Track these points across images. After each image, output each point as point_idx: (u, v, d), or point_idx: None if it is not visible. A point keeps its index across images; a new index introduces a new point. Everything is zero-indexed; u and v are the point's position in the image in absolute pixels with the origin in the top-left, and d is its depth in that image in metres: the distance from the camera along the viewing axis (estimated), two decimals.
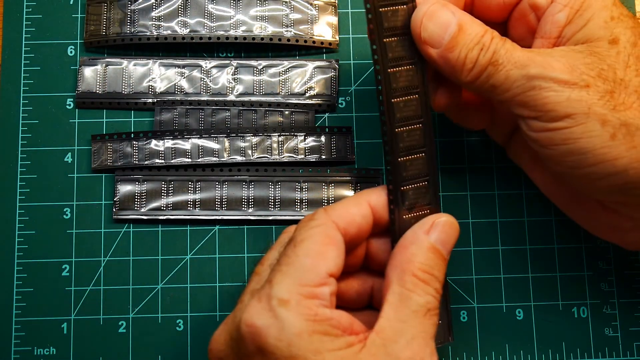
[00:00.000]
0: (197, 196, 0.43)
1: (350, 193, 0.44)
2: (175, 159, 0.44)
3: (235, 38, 0.45)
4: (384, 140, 0.34)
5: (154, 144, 0.44)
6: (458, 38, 0.32)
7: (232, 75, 0.45)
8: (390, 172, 0.34)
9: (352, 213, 0.33)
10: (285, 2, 0.46)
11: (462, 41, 0.32)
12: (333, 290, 0.31)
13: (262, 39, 0.45)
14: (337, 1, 0.46)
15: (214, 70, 0.45)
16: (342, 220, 0.33)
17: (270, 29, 0.45)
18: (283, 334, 0.29)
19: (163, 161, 0.44)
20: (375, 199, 0.34)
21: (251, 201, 0.43)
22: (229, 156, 0.44)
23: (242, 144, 0.44)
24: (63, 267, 0.43)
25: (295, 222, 0.43)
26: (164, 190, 0.43)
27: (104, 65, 0.45)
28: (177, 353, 0.42)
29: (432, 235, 0.32)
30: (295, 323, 0.29)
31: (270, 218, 0.43)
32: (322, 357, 0.29)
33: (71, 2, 0.46)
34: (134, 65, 0.45)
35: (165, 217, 0.43)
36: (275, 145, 0.44)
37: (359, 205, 0.33)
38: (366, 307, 0.36)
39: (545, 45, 0.33)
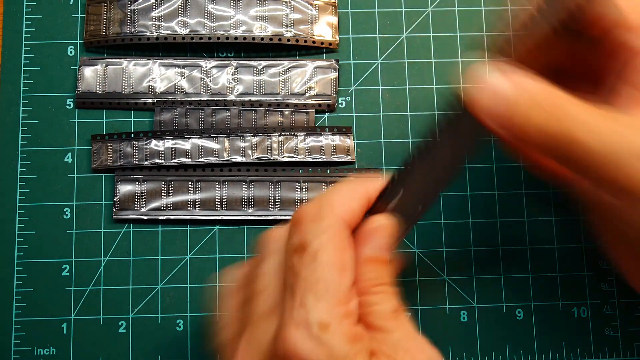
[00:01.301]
0: (197, 196, 0.43)
1: None
2: (175, 159, 0.44)
3: (235, 38, 0.45)
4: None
5: (154, 144, 0.44)
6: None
7: (232, 75, 0.45)
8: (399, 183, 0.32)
9: (354, 209, 0.30)
10: (285, 2, 0.46)
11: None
12: (357, 300, 0.29)
13: (262, 39, 0.45)
14: (337, 1, 0.46)
15: (214, 70, 0.45)
16: (348, 217, 0.30)
17: (270, 29, 0.45)
18: (331, 358, 0.27)
19: (163, 161, 0.44)
20: (373, 194, 0.31)
21: (251, 201, 0.43)
22: (229, 156, 0.44)
23: (242, 144, 0.44)
24: (63, 267, 0.43)
25: None
26: (164, 190, 0.43)
27: (104, 65, 0.45)
28: (177, 353, 0.42)
29: (367, 247, 0.30)
30: (341, 347, 0.27)
31: (270, 218, 0.43)
32: None
33: (71, 2, 0.46)
34: (134, 65, 0.45)
35: (165, 217, 0.43)
36: (275, 145, 0.44)
37: (360, 201, 0.30)
38: None
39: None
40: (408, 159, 0.32)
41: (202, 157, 0.44)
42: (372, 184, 0.32)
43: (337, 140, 0.44)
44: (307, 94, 0.45)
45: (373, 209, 0.31)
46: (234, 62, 0.45)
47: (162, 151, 0.44)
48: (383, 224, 0.30)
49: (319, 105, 0.45)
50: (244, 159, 0.44)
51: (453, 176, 0.33)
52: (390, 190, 0.32)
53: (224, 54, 0.46)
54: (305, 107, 0.45)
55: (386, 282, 0.30)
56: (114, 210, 0.43)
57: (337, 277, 0.28)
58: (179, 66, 0.45)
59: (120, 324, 0.42)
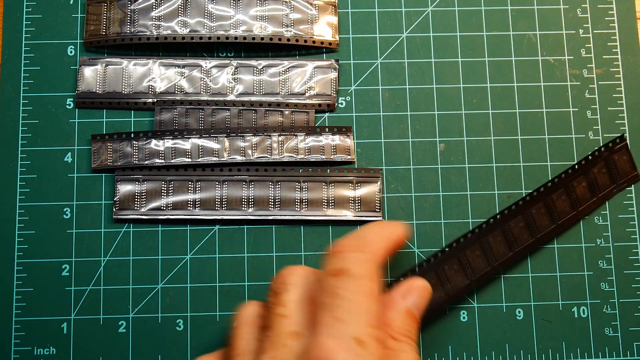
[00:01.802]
0: (197, 196, 0.43)
1: (350, 193, 0.44)
2: (175, 158, 0.44)
3: (235, 38, 0.45)
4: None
5: (154, 143, 0.44)
6: None
7: (232, 75, 0.45)
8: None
9: (384, 248, 0.34)
10: (285, 2, 0.46)
11: None
12: (383, 332, 0.32)
13: (262, 38, 0.45)
14: (337, 1, 0.46)
15: (214, 70, 0.45)
16: (379, 254, 0.33)
17: (270, 29, 0.45)
18: None
19: (163, 161, 0.44)
20: (400, 238, 0.35)
21: (251, 201, 0.43)
22: (229, 156, 0.44)
23: (242, 144, 0.44)
24: (63, 267, 0.43)
25: (295, 222, 0.43)
26: (164, 190, 0.43)
27: (104, 65, 0.45)
28: (177, 353, 0.42)
29: (408, 300, 0.34)
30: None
31: (270, 218, 0.43)
32: None
33: (71, 2, 0.46)
34: (134, 65, 0.45)
35: (165, 217, 0.43)
36: (275, 145, 0.44)
37: (388, 242, 0.34)
38: None
39: None
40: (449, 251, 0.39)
41: (202, 157, 0.44)
42: (399, 229, 0.35)
43: (337, 140, 0.44)
44: (307, 94, 0.45)
45: (414, 270, 0.37)
46: (234, 62, 0.45)
47: (162, 151, 0.44)
48: (423, 286, 0.35)
49: (319, 105, 0.45)
50: (244, 158, 0.44)
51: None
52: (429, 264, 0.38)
53: (224, 54, 0.46)
54: (305, 107, 0.45)
55: (413, 336, 0.33)
56: (114, 210, 0.43)
57: (372, 303, 0.30)
58: (179, 66, 0.45)
59: (120, 324, 0.42)
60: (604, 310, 0.43)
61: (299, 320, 0.31)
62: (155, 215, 0.43)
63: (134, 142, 0.44)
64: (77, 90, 0.45)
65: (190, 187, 0.43)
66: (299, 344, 0.30)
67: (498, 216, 0.42)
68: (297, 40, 0.45)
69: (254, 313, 0.34)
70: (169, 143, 0.44)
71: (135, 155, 0.44)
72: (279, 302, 0.32)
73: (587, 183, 0.43)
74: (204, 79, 0.45)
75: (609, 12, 0.47)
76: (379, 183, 0.44)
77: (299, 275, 0.33)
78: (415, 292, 0.34)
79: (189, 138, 0.44)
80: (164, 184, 0.43)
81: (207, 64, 0.45)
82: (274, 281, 0.33)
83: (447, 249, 0.41)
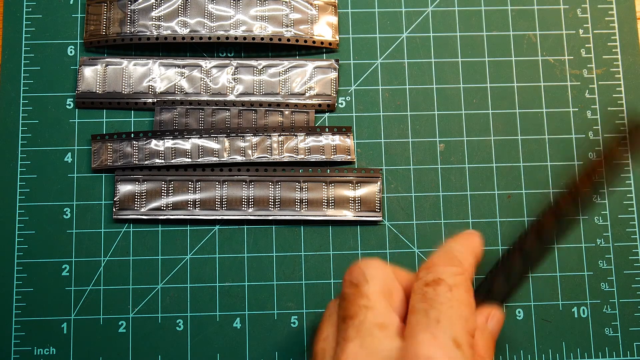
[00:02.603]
0: (197, 196, 0.43)
1: (350, 193, 0.44)
2: (175, 158, 0.44)
3: (235, 38, 0.45)
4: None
5: (154, 144, 0.44)
6: None
7: (232, 75, 0.45)
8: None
9: (470, 262, 0.34)
10: (285, 2, 0.46)
11: None
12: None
13: (262, 38, 0.45)
14: (337, 1, 0.46)
15: (214, 70, 0.45)
16: (470, 268, 0.34)
17: (270, 29, 0.45)
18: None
19: (163, 161, 0.44)
20: (479, 251, 0.36)
21: (251, 201, 0.43)
22: (229, 156, 0.44)
23: (242, 144, 0.44)
24: (63, 267, 0.43)
25: (295, 222, 0.43)
26: (164, 190, 0.43)
27: (104, 65, 0.45)
28: (177, 353, 0.42)
29: (490, 323, 0.35)
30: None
31: (270, 218, 0.43)
32: None
33: (71, 2, 0.46)
34: (134, 65, 0.45)
35: (165, 217, 0.43)
36: (275, 145, 0.44)
37: (472, 256, 0.35)
38: None
39: None
40: (505, 256, 0.37)
41: (202, 157, 0.44)
42: (480, 241, 0.36)
43: (337, 140, 0.44)
44: (307, 94, 0.45)
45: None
46: (234, 62, 0.45)
47: (162, 151, 0.44)
48: (502, 317, 0.35)
49: (319, 105, 0.45)
50: (244, 158, 0.44)
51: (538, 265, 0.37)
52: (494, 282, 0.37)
53: (224, 54, 0.46)
54: (305, 107, 0.45)
55: (492, 356, 0.34)
56: (114, 210, 0.43)
57: (469, 313, 0.31)
58: (179, 66, 0.45)
59: (120, 324, 0.42)
60: (604, 310, 0.43)
61: (383, 312, 0.32)
62: (155, 215, 0.43)
63: (134, 142, 0.44)
64: (77, 90, 0.45)
65: (190, 187, 0.43)
66: (385, 335, 0.30)
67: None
68: (297, 40, 0.45)
69: (338, 304, 0.34)
70: (169, 143, 0.44)
71: (135, 155, 0.44)
72: (361, 294, 0.32)
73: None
74: (204, 79, 0.45)
75: (609, 12, 0.47)
76: (379, 183, 0.44)
77: (376, 268, 0.33)
78: (496, 319, 0.35)
79: (189, 138, 0.44)
80: (164, 184, 0.43)
81: (207, 64, 0.45)
82: (351, 273, 0.33)
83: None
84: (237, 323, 0.42)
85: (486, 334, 0.34)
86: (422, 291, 0.32)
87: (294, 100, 0.45)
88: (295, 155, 0.44)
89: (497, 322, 0.35)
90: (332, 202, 0.43)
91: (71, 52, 0.45)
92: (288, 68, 0.45)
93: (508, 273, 0.36)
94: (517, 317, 0.43)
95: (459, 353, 0.29)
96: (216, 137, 0.44)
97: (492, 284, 0.36)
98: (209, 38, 0.45)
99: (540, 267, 0.44)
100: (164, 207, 0.43)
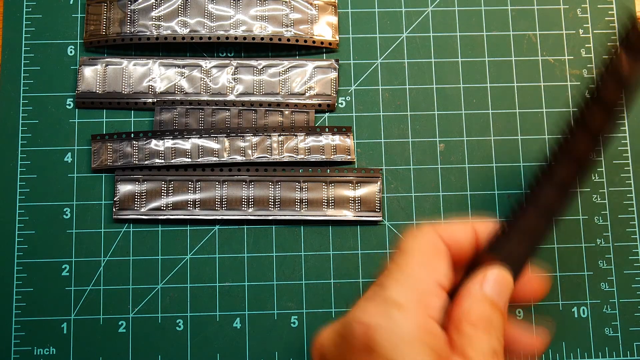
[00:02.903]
0: (197, 196, 0.43)
1: (350, 193, 0.44)
2: (175, 158, 0.44)
3: (235, 38, 0.45)
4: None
5: (154, 144, 0.44)
6: None
7: (232, 75, 0.45)
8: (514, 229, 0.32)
9: (456, 229, 0.32)
10: (285, 2, 0.46)
11: None
12: (443, 304, 0.29)
13: (262, 38, 0.45)
14: (337, 1, 0.46)
15: (214, 70, 0.45)
16: (446, 234, 0.31)
17: (270, 29, 0.45)
18: (393, 336, 0.28)
19: (163, 161, 0.44)
20: (482, 229, 0.32)
21: (251, 201, 0.43)
22: (229, 156, 0.44)
23: (242, 144, 0.44)
24: (63, 267, 0.43)
25: (295, 222, 0.43)
26: (164, 190, 0.43)
27: (103, 65, 0.45)
28: (177, 353, 0.42)
29: (485, 287, 0.30)
30: (408, 328, 0.28)
31: (270, 218, 0.43)
32: None
33: (71, 2, 0.46)
34: (134, 65, 0.45)
35: (165, 217, 0.43)
36: (275, 145, 0.44)
37: (464, 225, 0.32)
38: None
39: None
40: (515, 209, 0.32)
41: (202, 157, 0.44)
42: (483, 224, 0.33)
43: (337, 140, 0.44)
44: (307, 94, 0.45)
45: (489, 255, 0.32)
46: (234, 62, 0.45)
47: (162, 151, 0.44)
48: (501, 276, 0.31)
49: (319, 105, 0.45)
50: (244, 158, 0.44)
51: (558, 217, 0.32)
52: (500, 239, 0.32)
53: (224, 54, 0.46)
54: (305, 107, 0.45)
55: (494, 323, 0.30)
56: (114, 210, 0.43)
57: (419, 271, 0.29)
58: (179, 66, 0.45)
59: (120, 324, 0.42)
60: (604, 310, 0.43)
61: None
62: (155, 215, 0.43)
63: (134, 142, 0.44)
64: (77, 90, 0.45)
65: (190, 187, 0.43)
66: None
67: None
68: (297, 40, 0.45)
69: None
70: (169, 143, 0.44)
71: (135, 155, 0.44)
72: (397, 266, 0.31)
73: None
74: (204, 79, 0.45)
75: (609, 12, 0.47)
76: (379, 183, 0.44)
77: (419, 237, 0.32)
78: (492, 282, 0.31)
79: (189, 138, 0.44)
80: (164, 184, 0.43)
81: (207, 64, 0.45)
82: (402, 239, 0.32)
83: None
84: (237, 323, 0.42)
85: (479, 300, 0.30)
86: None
87: (294, 100, 0.45)
88: (295, 155, 0.44)
89: (497, 284, 0.31)
90: (332, 202, 0.43)
91: (71, 52, 0.45)
92: (288, 68, 0.45)
93: (524, 231, 0.31)
94: (518, 317, 0.43)
95: (397, 313, 0.28)
96: (216, 137, 0.44)
97: (507, 244, 0.31)
98: (209, 38, 0.45)
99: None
100: (164, 207, 0.43)
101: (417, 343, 0.28)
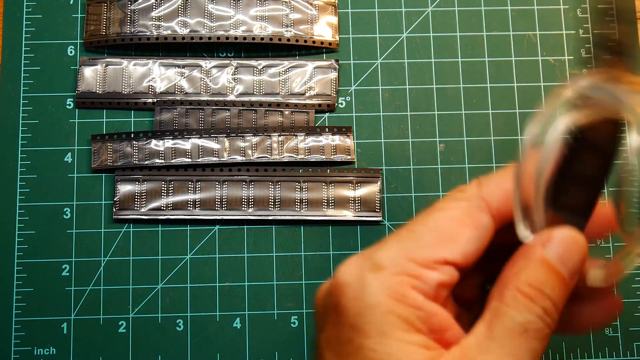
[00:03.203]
0: (197, 196, 0.43)
1: (350, 193, 0.44)
2: (175, 159, 0.44)
3: (235, 38, 0.45)
4: None
5: (154, 144, 0.44)
6: None
7: (232, 75, 0.45)
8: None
9: (508, 190, 0.26)
10: (285, 2, 0.46)
11: None
12: (444, 280, 0.25)
13: (262, 39, 0.45)
14: (337, 1, 0.46)
15: (214, 70, 0.45)
16: (495, 199, 0.26)
17: (270, 29, 0.45)
18: (359, 298, 0.25)
19: (163, 161, 0.44)
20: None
21: (251, 201, 0.43)
22: (229, 156, 0.44)
23: (242, 144, 0.44)
24: (63, 267, 0.43)
25: (295, 222, 0.43)
26: (164, 190, 0.43)
27: (103, 65, 0.45)
28: (177, 353, 0.42)
29: (547, 249, 0.26)
30: (376, 293, 0.24)
31: (270, 218, 0.43)
32: (385, 344, 0.24)
33: (71, 2, 0.46)
34: (134, 65, 0.45)
35: (165, 217, 0.43)
36: (275, 145, 0.44)
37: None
38: None
39: None
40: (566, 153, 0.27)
41: (202, 157, 0.44)
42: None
43: (337, 140, 0.44)
44: (307, 94, 0.45)
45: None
46: (234, 62, 0.45)
47: (162, 151, 0.44)
48: (575, 238, 0.27)
49: (319, 105, 0.45)
50: (244, 159, 0.44)
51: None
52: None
53: (224, 54, 0.46)
54: (305, 107, 0.45)
55: (546, 291, 0.25)
56: (114, 210, 0.43)
57: (431, 238, 0.25)
58: (179, 66, 0.45)
59: (120, 324, 0.42)
60: None
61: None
62: (155, 215, 0.43)
63: (134, 142, 0.44)
64: (77, 90, 0.45)
65: (190, 187, 0.43)
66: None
67: None
68: (297, 41, 0.45)
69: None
70: (169, 143, 0.44)
71: (135, 155, 0.44)
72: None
73: None
74: (204, 79, 0.45)
75: (609, 12, 0.47)
76: (379, 183, 0.44)
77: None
78: (559, 240, 0.26)
79: (189, 138, 0.44)
80: (164, 184, 0.43)
81: (207, 64, 0.45)
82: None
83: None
84: (237, 323, 0.42)
85: (534, 262, 0.25)
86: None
87: (294, 100, 0.45)
88: (295, 155, 0.44)
89: (564, 248, 0.26)
90: (332, 202, 0.43)
91: (71, 52, 0.45)
92: (288, 68, 0.45)
93: (581, 176, 0.27)
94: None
95: (371, 275, 0.25)
96: (216, 137, 0.44)
97: (562, 194, 0.27)
98: (209, 38, 0.45)
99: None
100: (164, 207, 0.43)
101: (383, 312, 0.24)
